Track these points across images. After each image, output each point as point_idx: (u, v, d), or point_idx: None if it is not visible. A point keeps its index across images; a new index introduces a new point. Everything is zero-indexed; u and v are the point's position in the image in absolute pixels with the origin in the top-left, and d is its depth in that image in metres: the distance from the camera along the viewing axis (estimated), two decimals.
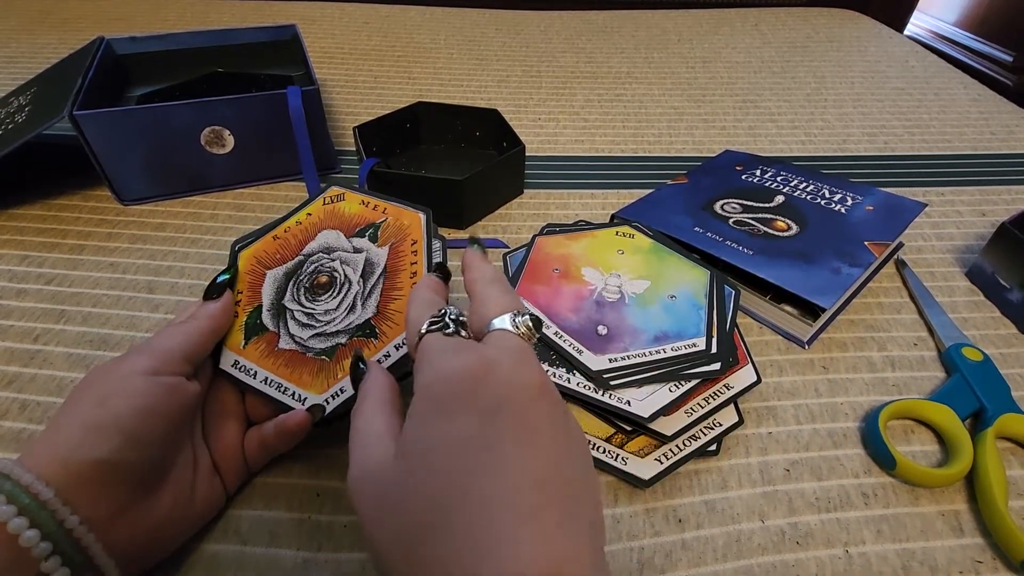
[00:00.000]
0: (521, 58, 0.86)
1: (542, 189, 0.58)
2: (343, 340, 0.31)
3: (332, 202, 0.37)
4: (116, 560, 0.24)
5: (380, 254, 0.34)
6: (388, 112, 0.59)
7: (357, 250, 0.34)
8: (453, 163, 0.60)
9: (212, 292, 0.32)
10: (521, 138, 0.54)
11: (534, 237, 0.43)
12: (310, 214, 0.37)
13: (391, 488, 0.19)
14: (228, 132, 0.52)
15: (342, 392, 0.30)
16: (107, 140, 0.49)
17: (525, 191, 0.57)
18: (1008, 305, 0.45)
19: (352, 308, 0.32)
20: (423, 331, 0.23)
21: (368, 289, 0.33)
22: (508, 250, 0.46)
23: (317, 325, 0.32)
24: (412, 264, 0.33)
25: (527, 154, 0.60)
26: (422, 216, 0.35)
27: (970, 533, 0.32)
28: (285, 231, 0.36)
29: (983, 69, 1.20)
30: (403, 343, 0.30)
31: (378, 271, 0.33)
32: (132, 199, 0.53)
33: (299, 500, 0.32)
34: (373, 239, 0.35)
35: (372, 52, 0.86)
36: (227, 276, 0.33)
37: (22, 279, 0.45)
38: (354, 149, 0.61)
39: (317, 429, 0.30)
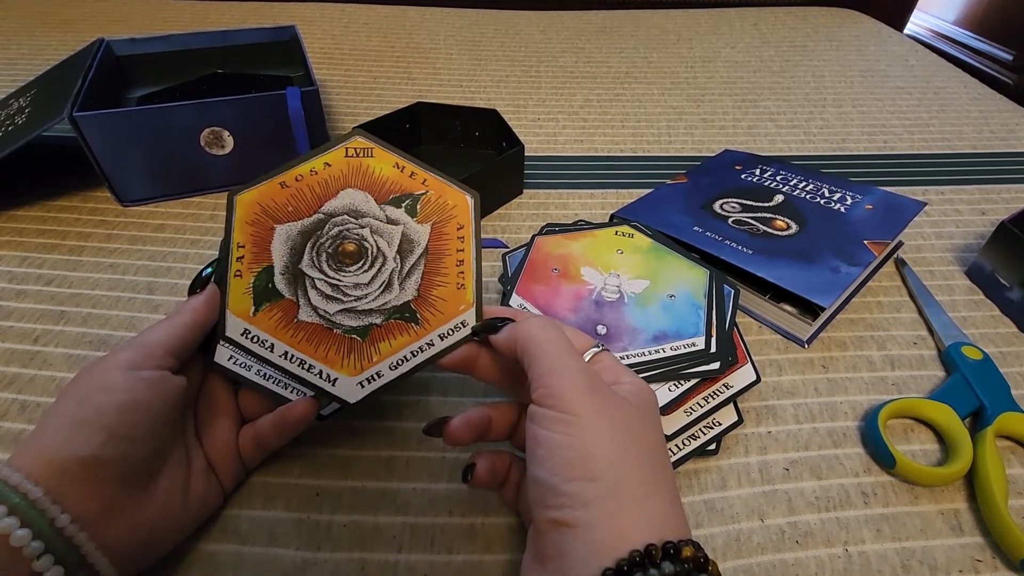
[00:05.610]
0: (520, 58, 0.86)
1: (541, 189, 0.58)
2: (377, 320, 0.29)
3: (357, 155, 0.31)
4: (111, 558, 0.24)
5: (421, 232, 0.30)
6: (387, 113, 0.59)
7: (391, 221, 0.30)
8: (452, 163, 0.60)
9: (196, 286, 0.30)
10: (520, 138, 0.54)
11: (533, 237, 0.43)
12: (328, 164, 0.31)
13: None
14: (227, 133, 0.52)
15: (378, 376, 0.27)
16: (107, 141, 0.49)
17: (524, 191, 0.57)
18: (1008, 304, 0.45)
19: (388, 287, 0.29)
20: None
21: (407, 269, 0.30)
22: (507, 250, 0.46)
23: (346, 300, 0.29)
24: (459, 251, 0.30)
25: (526, 154, 0.60)
26: (470, 200, 0.31)
27: (970, 532, 0.32)
28: (297, 179, 0.30)
29: (983, 68, 1.20)
30: (448, 332, 0.28)
31: (418, 251, 0.30)
32: (132, 200, 0.53)
33: (298, 500, 0.32)
34: (411, 212, 0.31)
35: (371, 53, 0.86)
36: (211, 270, 0.31)
37: (22, 280, 0.45)
38: None
39: (319, 421, 0.29)
